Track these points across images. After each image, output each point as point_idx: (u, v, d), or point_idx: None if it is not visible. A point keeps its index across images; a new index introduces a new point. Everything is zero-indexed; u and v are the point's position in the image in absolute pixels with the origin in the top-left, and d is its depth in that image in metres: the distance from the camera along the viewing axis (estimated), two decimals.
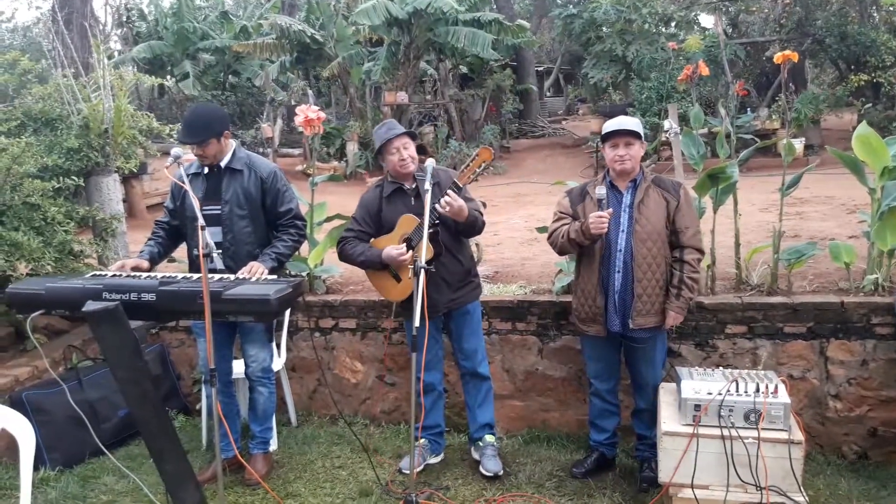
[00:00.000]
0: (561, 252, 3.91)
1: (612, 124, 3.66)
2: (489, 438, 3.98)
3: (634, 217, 3.56)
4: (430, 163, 3.62)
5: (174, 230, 3.86)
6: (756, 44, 15.72)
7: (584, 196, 3.76)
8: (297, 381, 4.76)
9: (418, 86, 15.41)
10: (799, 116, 12.59)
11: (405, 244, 3.68)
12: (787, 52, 4.17)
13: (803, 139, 12.24)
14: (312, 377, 4.78)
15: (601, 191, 3.57)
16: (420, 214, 3.54)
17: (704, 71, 4.43)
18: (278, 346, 4.55)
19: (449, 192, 3.53)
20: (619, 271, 3.58)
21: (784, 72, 4.14)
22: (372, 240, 3.84)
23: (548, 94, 25.82)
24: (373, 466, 3.88)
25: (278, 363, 4.44)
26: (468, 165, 3.56)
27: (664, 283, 3.58)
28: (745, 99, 13.87)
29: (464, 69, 16.20)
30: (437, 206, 3.52)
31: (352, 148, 13.00)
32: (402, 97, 13.25)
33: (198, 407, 4.67)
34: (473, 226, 3.70)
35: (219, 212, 3.67)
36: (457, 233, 3.77)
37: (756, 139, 11.42)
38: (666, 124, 4.19)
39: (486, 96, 15.40)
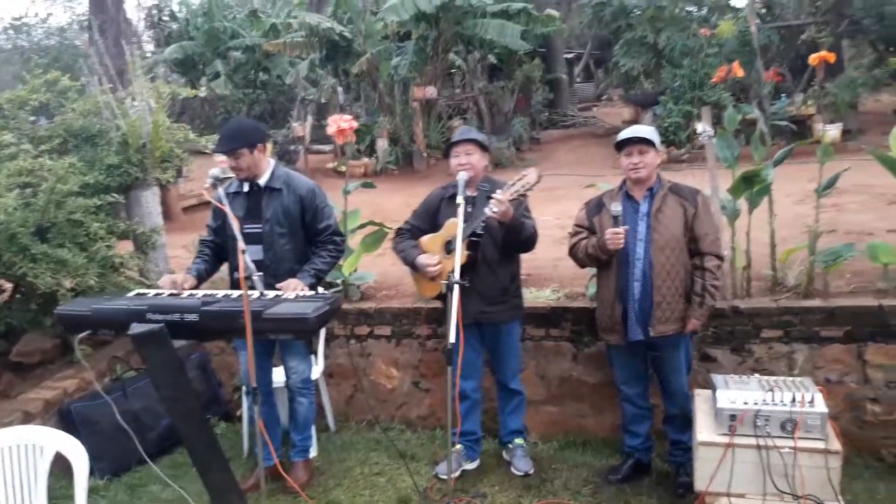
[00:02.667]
0: (582, 265, 3.99)
1: (625, 133, 3.70)
2: (518, 441, 4.08)
3: (652, 226, 3.59)
4: (461, 176, 3.68)
5: (219, 247, 3.96)
6: (791, 27, 15.39)
7: (600, 208, 3.79)
8: (334, 388, 4.85)
9: (447, 80, 15.39)
10: (836, 101, 12.33)
11: (443, 251, 3.77)
12: (823, 52, 4.12)
13: (840, 125, 11.98)
14: (349, 383, 4.87)
15: (616, 207, 3.60)
16: (470, 222, 3.63)
17: (739, 73, 4.40)
18: (316, 354, 4.64)
19: (498, 192, 3.57)
20: (637, 280, 3.62)
21: (820, 73, 4.08)
22: (422, 238, 3.93)
23: (578, 79, 25.60)
24: (410, 474, 3.96)
25: (316, 371, 4.53)
26: (513, 182, 3.62)
27: (683, 290, 3.60)
28: (779, 84, 13.60)
29: (493, 60, 16.12)
30: (485, 209, 3.60)
31: (382, 144, 13.05)
32: (431, 92, 13.26)
33: (238, 413, 4.79)
34: (519, 233, 3.71)
35: (260, 230, 3.76)
36: (505, 246, 3.79)
37: (791, 125, 11.26)
38: (699, 127, 4.18)
39: (516, 87, 15.32)
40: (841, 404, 4.02)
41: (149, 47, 19.70)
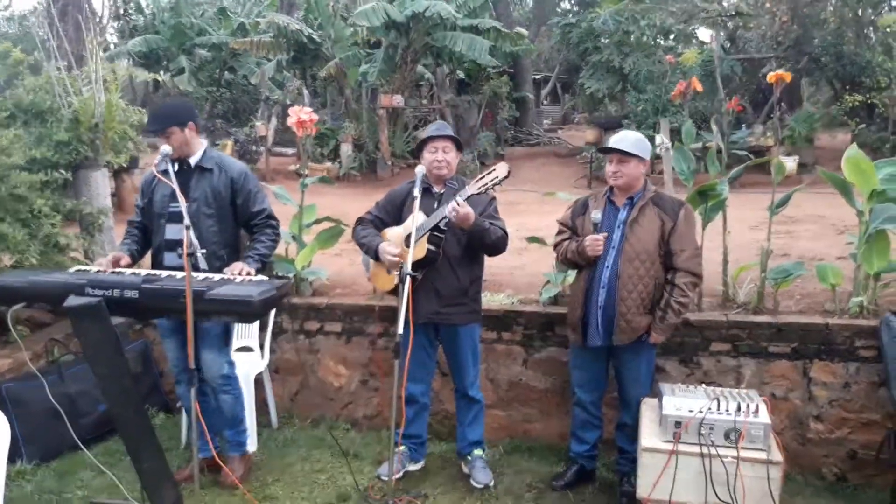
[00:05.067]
0: (564, 265, 4.00)
1: (610, 141, 3.70)
2: (477, 452, 3.97)
3: (626, 235, 3.58)
4: (419, 169, 3.65)
5: (147, 229, 3.85)
6: (753, 60, 15.80)
7: (584, 209, 3.79)
8: (279, 383, 4.74)
9: (414, 90, 15.41)
10: (793, 135, 12.66)
11: (405, 245, 3.65)
12: (781, 71, 4.20)
13: (797, 157, 12.29)
14: (295, 379, 4.77)
15: (596, 214, 3.62)
16: (431, 218, 3.58)
17: (698, 87, 4.46)
18: (262, 346, 4.54)
19: (457, 197, 3.51)
20: (603, 287, 3.61)
21: (777, 91, 4.16)
22: (385, 230, 3.85)
23: (544, 102, 25.91)
24: (351, 472, 3.88)
25: (261, 364, 4.44)
26: (482, 176, 3.56)
27: (650, 303, 3.58)
28: (740, 115, 13.92)
29: (461, 75, 16.22)
30: (445, 207, 3.52)
31: (346, 149, 12.98)
32: (399, 100, 13.25)
33: (178, 405, 4.63)
34: (482, 239, 3.61)
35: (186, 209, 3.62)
36: (469, 247, 3.71)
37: (750, 155, 11.49)
38: (657, 139, 4.23)
39: (483, 103, 15.42)
40: (785, 420, 4.06)
41: (113, 39, 19.37)
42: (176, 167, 3.69)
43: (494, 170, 3.55)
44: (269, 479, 3.96)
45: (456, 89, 16.00)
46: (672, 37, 15.85)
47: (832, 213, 7.95)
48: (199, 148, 3.76)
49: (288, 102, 14.50)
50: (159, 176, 3.13)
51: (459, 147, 3.85)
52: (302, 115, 4.71)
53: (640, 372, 3.74)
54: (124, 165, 5.40)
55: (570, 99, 26.88)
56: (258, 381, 4.45)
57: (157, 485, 3.38)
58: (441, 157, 3.75)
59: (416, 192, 3.50)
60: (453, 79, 16.01)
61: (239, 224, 3.82)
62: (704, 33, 18.23)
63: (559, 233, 3.88)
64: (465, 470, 3.99)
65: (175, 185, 3.07)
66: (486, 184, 3.53)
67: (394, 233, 3.79)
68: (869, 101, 13.73)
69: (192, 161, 3.73)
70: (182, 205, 3.03)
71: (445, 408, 4.48)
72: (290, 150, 13.98)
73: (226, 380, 3.88)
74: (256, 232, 3.79)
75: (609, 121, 14.27)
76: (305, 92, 14.62)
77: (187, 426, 4.34)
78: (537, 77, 22.93)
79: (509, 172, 3.54)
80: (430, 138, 3.80)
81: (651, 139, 4.42)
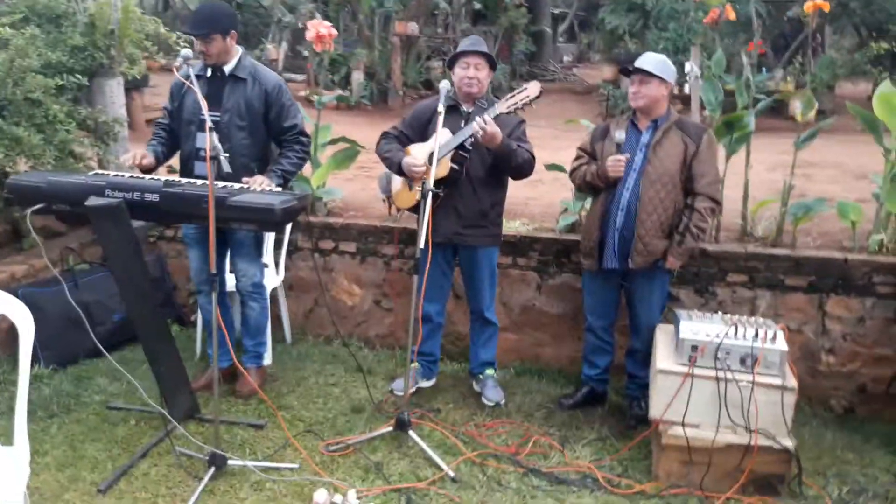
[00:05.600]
0: (580, 190, 3.99)
1: (636, 62, 3.63)
2: (489, 371, 4.01)
3: (648, 157, 3.55)
4: (444, 84, 3.56)
5: (174, 132, 3.79)
6: (778, 3, 15.38)
7: (605, 134, 3.76)
8: (293, 300, 4.77)
9: (430, 18, 15.08)
10: (814, 80, 12.40)
11: (428, 158, 3.57)
12: (818, 1, 4.08)
13: (816, 104, 12.08)
14: (309, 297, 4.79)
15: (620, 134, 3.59)
16: (456, 136, 3.52)
17: (731, 15, 4.34)
18: (277, 263, 4.55)
19: (485, 115, 3.43)
20: (622, 209, 3.59)
21: (813, 21, 4.04)
22: (409, 146, 3.76)
23: (561, 39, 25.35)
24: (367, 385, 3.92)
25: (276, 280, 4.45)
26: (512, 95, 3.48)
27: (668, 227, 3.57)
28: (761, 58, 13.62)
29: (477, 5, 15.84)
30: (471, 124, 3.45)
31: (357, 77, 12.75)
32: (413, 28, 12.96)
33: (193, 318, 4.71)
34: (508, 160, 3.56)
35: (217, 119, 3.53)
36: (494, 168, 3.64)
37: (765, 99, 11.31)
38: (687, 66, 4.13)
39: (499, 34, 15.10)
40: (797, 352, 4.07)
41: None
42: (209, 73, 3.64)
43: (525, 88, 3.47)
44: (284, 391, 4.01)
45: (472, 20, 15.65)
46: None
47: (851, 160, 7.86)
48: (234, 55, 3.65)
49: (300, 26, 14.20)
50: (183, 80, 3.05)
51: (493, 65, 3.72)
52: (321, 28, 4.63)
53: (653, 298, 3.74)
54: (137, 77, 5.30)
55: (587, 36, 26.33)
56: (273, 298, 4.46)
57: (174, 389, 3.44)
58: (472, 73, 3.64)
59: (441, 108, 3.43)
60: (469, 9, 15.64)
61: (270, 137, 3.75)
62: None
63: (577, 158, 3.85)
64: (477, 388, 4.05)
65: (198, 93, 2.99)
66: (517, 102, 3.46)
67: (418, 149, 3.72)
68: (894, 49, 13.40)
69: (227, 69, 3.63)
70: (204, 110, 2.97)
71: (458, 329, 4.50)
72: (299, 77, 13.74)
73: (256, 288, 3.90)
74: (285, 147, 3.73)
75: (628, 57, 13.91)
76: (318, 16, 14.28)
77: (202, 340, 4.38)
78: (555, 12, 22.39)
79: (541, 92, 3.46)
80: (463, 53, 3.68)
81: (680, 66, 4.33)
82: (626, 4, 14.42)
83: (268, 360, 4.16)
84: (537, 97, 3.44)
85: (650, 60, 3.60)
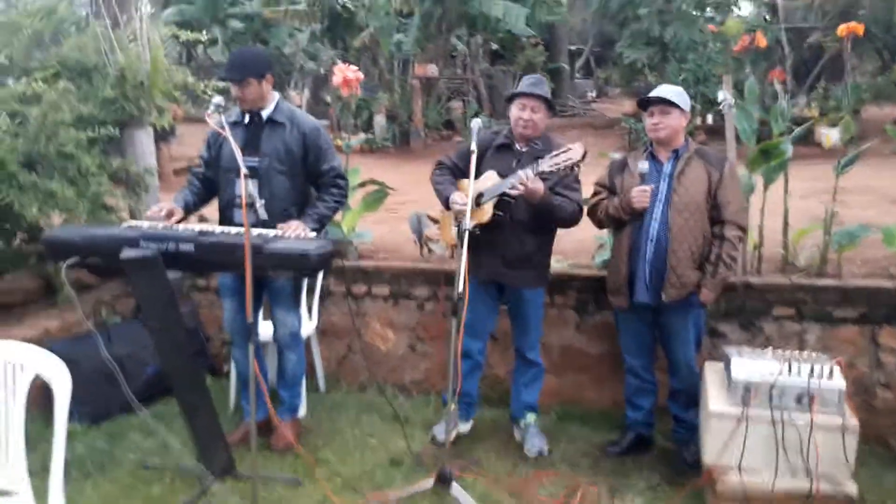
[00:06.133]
0: (600, 226, 3.91)
1: (652, 93, 3.60)
2: (531, 417, 3.89)
3: (673, 187, 3.49)
4: (476, 123, 3.52)
5: (209, 181, 3.77)
6: (797, 30, 15.35)
7: (623, 167, 3.70)
8: (326, 347, 4.69)
9: (448, 60, 15.23)
10: (839, 105, 12.29)
11: (474, 200, 3.51)
12: (851, 24, 4.02)
13: (854, 128, 11.92)
14: (342, 343, 4.72)
15: (643, 165, 3.53)
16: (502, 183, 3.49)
17: (762, 42, 4.28)
18: (310, 309, 4.48)
19: (528, 170, 3.39)
20: (652, 240, 3.51)
21: (847, 44, 3.98)
22: (462, 179, 3.71)
23: (578, 75, 25.49)
24: (405, 435, 3.80)
25: (310, 327, 4.38)
26: (557, 154, 3.41)
27: (699, 257, 3.49)
28: (781, 85, 13.55)
29: (494, 46, 15.98)
30: (513, 180, 3.41)
31: (379, 120, 12.86)
32: (433, 70, 13.09)
33: (225, 369, 4.64)
34: (550, 214, 3.53)
35: (256, 165, 3.52)
36: (536, 215, 3.57)
37: (793, 127, 11.23)
38: (720, 95, 4.07)
39: (517, 73, 15.19)
40: (850, 387, 3.88)
41: (148, 9, 19.34)
42: (246, 119, 3.63)
43: (570, 149, 3.41)
44: (320, 444, 3.91)
45: (490, 60, 15.78)
46: (711, 7, 15.43)
47: (880, 184, 7.73)
48: (271, 100, 3.65)
49: (322, 73, 14.40)
50: (217, 129, 3.03)
51: (552, 108, 3.68)
52: (348, 73, 4.65)
53: (689, 333, 3.63)
54: (166, 128, 5.33)
55: (604, 72, 26.45)
56: (305, 345, 4.38)
57: (210, 445, 3.36)
58: (528, 115, 3.60)
59: (473, 147, 3.39)
60: (487, 49, 15.77)
61: (309, 181, 3.73)
62: (745, 6, 17.72)
63: (595, 193, 3.78)
64: (518, 437, 3.93)
65: (232, 141, 2.96)
66: (559, 164, 3.39)
67: (466, 183, 3.63)
68: None
69: (265, 114, 3.62)
70: (238, 156, 2.93)
71: (495, 372, 4.40)
72: (323, 122, 13.90)
73: (294, 338, 3.85)
74: (323, 190, 3.71)
75: (649, 91, 13.92)
76: (339, 62, 14.49)
77: (236, 391, 4.30)
78: (571, 48, 22.54)
79: (586, 154, 3.39)
80: (521, 94, 3.64)
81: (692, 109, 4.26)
82: (643, 38, 14.45)
83: (302, 411, 4.08)
84: (581, 159, 3.38)
85: (669, 91, 3.57)
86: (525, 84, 3.67)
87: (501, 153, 3.65)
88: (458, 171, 3.76)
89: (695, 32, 13.74)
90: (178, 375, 3.12)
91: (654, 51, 14.40)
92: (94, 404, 4.06)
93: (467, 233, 3.22)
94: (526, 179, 3.35)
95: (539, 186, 3.39)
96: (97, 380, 3.94)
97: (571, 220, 3.63)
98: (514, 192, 3.43)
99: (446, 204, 3.66)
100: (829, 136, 11.26)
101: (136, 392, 4.14)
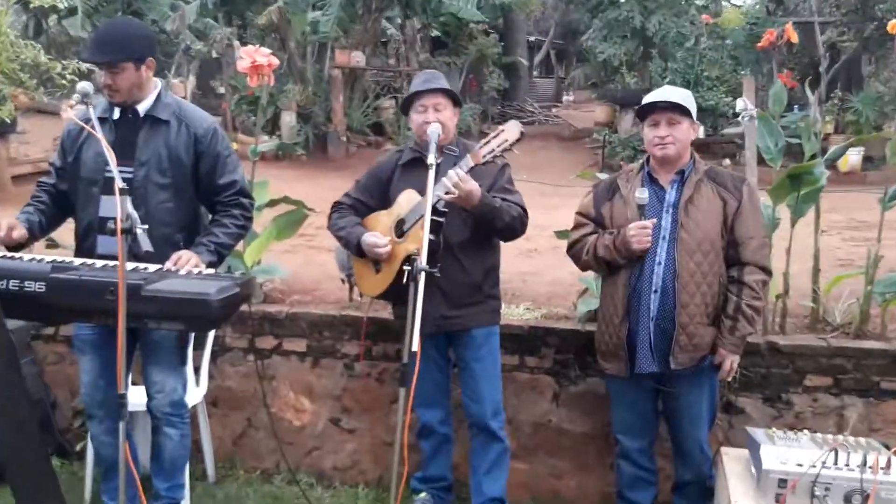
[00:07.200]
0: (584, 269, 3.86)
1: (652, 95, 3.58)
2: None
3: (680, 221, 3.42)
4: (433, 128, 3.48)
5: (62, 196, 3.57)
6: (806, 26, 15.91)
7: (612, 192, 3.64)
8: (218, 421, 4.56)
9: (378, 47, 15.28)
10: (858, 120, 12.70)
11: (393, 233, 3.57)
12: None
13: (862, 149, 12.33)
14: (241, 416, 4.59)
15: (642, 193, 3.43)
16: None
17: (793, 37, 4.32)
18: (197, 370, 4.31)
19: (456, 169, 3.38)
20: (656, 291, 3.45)
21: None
22: (369, 216, 3.77)
23: (535, 73, 25.95)
24: None
25: (196, 394, 4.21)
26: (488, 140, 3.44)
27: (714, 309, 3.44)
28: (791, 93, 13.99)
29: (436, 32, 16.14)
30: (442, 182, 3.37)
31: (288, 119, 12.75)
32: (358, 58, 13.07)
33: (78, 448, 4.45)
34: (493, 222, 3.52)
35: (130, 175, 3.33)
36: (476, 230, 3.57)
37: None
38: (739, 104, 4.07)
39: (465, 67, 15.35)
40: None
41: None
42: (116, 114, 3.46)
43: (502, 130, 3.45)
44: None
45: (430, 50, 15.91)
46: None
47: None
48: (151, 91, 3.49)
49: (213, 56, 14.24)
50: (81, 124, 2.85)
51: (457, 102, 3.74)
52: (259, 56, 4.47)
53: (701, 408, 3.60)
54: (6, 120, 5.07)
55: (568, 70, 26.96)
56: (191, 418, 4.19)
57: None
58: (432, 116, 3.61)
59: (431, 159, 3.31)
60: (426, 36, 15.91)
61: (201, 199, 3.60)
62: None
63: (577, 227, 3.72)
64: None
65: (104, 142, 2.78)
66: (493, 150, 3.42)
67: (373, 218, 3.73)
68: None
69: (142, 109, 3.46)
70: (112, 165, 2.75)
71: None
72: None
73: (176, 408, 3.69)
74: (221, 212, 3.57)
75: (627, 95, 14.21)
76: (237, 44, 14.30)
77: (93, 479, 4.08)
78: (530, 39, 22.97)
79: (522, 134, 3.44)
80: (418, 94, 3.67)
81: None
82: (621, 30, 14.78)
83: None
84: (517, 140, 3.42)
85: (678, 94, 3.53)
86: (418, 82, 3.76)
87: (411, 171, 3.66)
88: (363, 208, 3.83)
89: (684, 24, 14.11)
90: (20, 463, 2.87)
91: (633, 45, 14.74)
92: None
93: (423, 274, 3.11)
94: (458, 179, 3.34)
95: (474, 186, 3.40)
96: None
97: (520, 225, 3.65)
98: (442, 203, 3.42)
99: (357, 250, 3.67)
100: (848, 157, 11.63)
101: None
